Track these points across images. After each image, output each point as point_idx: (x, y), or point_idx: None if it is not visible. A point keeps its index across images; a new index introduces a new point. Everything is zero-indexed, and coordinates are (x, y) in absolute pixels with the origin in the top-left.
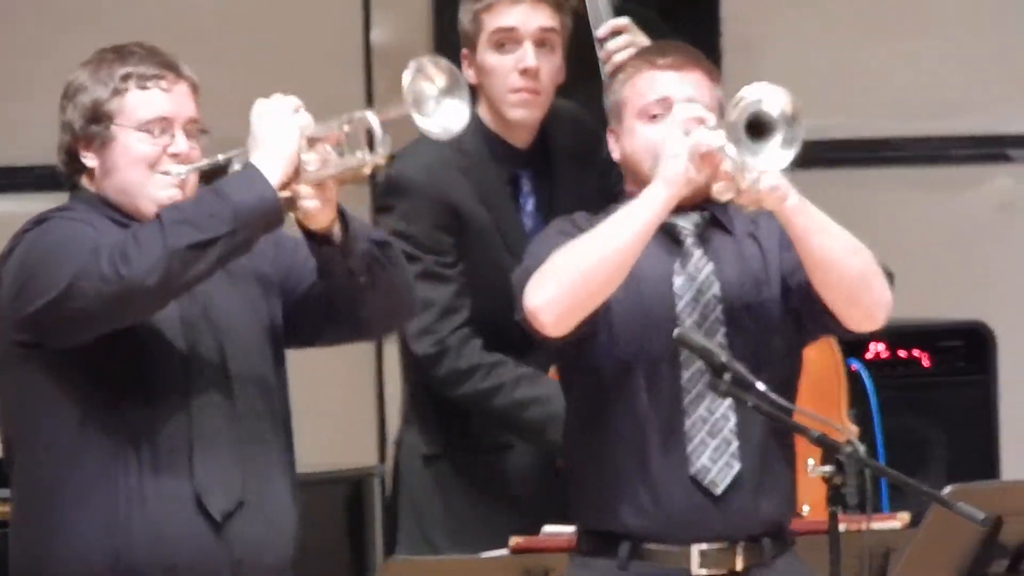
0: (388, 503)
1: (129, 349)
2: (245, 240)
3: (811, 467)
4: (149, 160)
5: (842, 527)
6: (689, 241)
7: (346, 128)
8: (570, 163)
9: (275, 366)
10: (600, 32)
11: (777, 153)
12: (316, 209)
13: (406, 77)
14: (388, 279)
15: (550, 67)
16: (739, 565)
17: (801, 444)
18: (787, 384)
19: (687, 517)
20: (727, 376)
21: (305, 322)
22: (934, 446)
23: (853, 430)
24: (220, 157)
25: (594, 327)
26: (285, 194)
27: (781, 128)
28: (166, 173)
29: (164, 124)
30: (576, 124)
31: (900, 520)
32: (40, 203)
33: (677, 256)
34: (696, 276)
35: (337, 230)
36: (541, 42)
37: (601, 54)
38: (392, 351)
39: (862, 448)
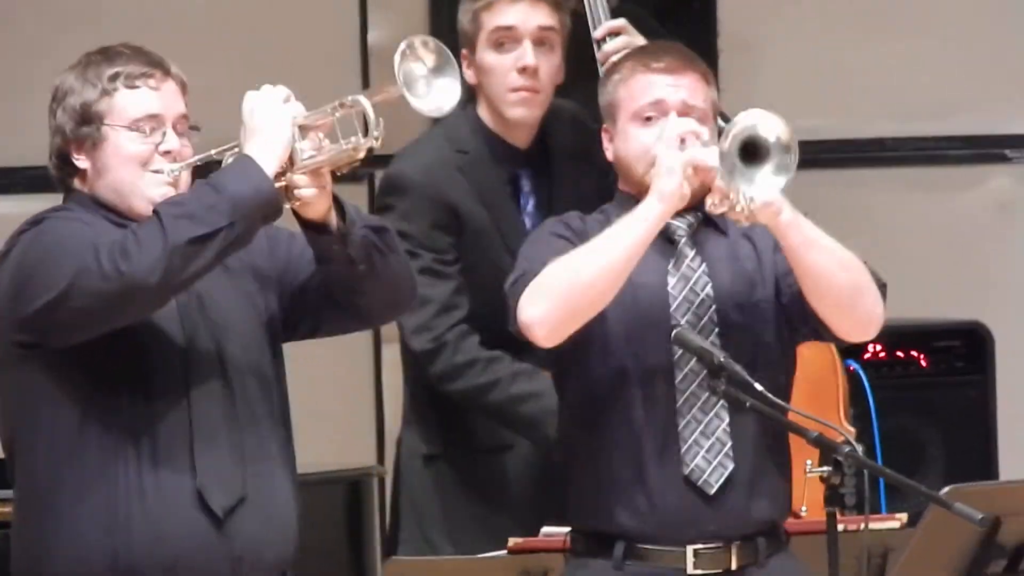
0: (390, 503)
1: (128, 347)
2: (244, 232)
3: (809, 468)
4: (141, 159)
5: (840, 527)
6: (683, 242)
7: (338, 114)
8: (570, 162)
9: (273, 360)
10: (597, 33)
11: (770, 179)
12: (312, 197)
13: (396, 59)
14: (387, 265)
15: (549, 66)
16: (734, 564)
17: (799, 445)
18: (781, 383)
19: (681, 517)
20: (724, 376)
21: (305, 313)
22: (932, 446)
23: (851, 430)
24: (213, 152)
25: (588, 331)
26: (280, 184)
27: (775, 154)
28: (159, 171)
29: (154, 122)
30: (575, 123)
31: (898, 520)
32: (36, 203)
33: (671, 257)
34: (690, 276)
35: (334, 218)
36: (540, 41)
37: (599, 55)
38: (390, 351)
39: (860, 448)
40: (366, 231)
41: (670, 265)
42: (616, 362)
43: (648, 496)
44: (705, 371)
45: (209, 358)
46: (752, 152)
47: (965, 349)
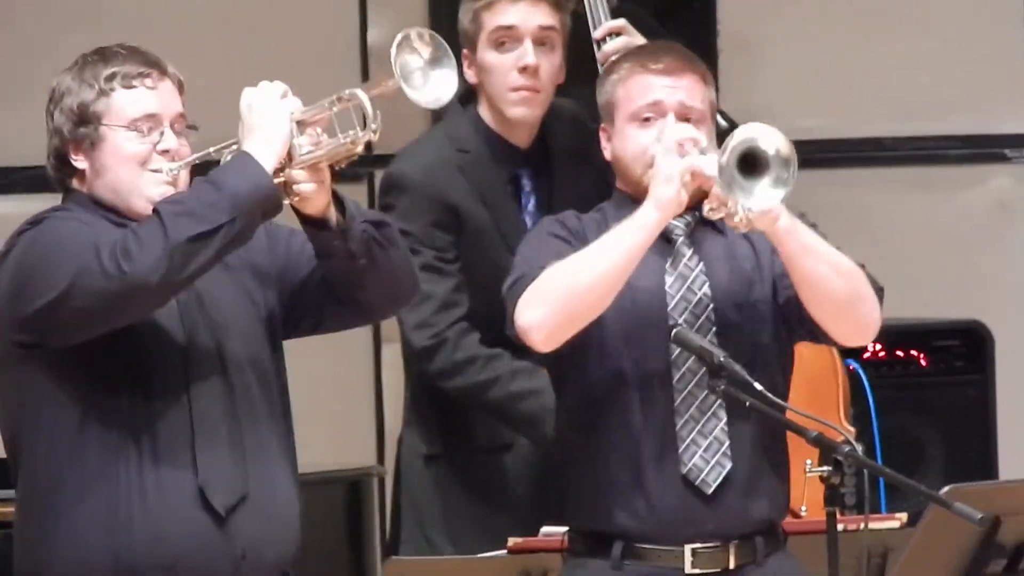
0: (391, 503)
1: (128, 346)
2: (245, 228)
3: (809, 467)
4: (139, 158)
5: (840, 527)
6: (680, 241)
7: (335, 108)
8: (570, 162)
9: (273, 358)
10: (597, 33)
11: (768, 192)
12: (311, 193)
13: (392, 51)
14: (387, 259)
15: (550, 65)
16: (732, 564)
17: (799, 444)
18: (778, 383)
19: (679, 517)
20: (724, 376)
21: (307, 310)
22: (931, 446)
23: (851, 430)
24: (211, 150)
25: (586, 332)
26: (279, 179)
27: (774, 168)
28: (157, 171)
29: (152, 122)
30: (576, 123)
31: (898, 520)
32: (36, 203)
33: (668, 256)
34: (687, 276)
35: (333, 213)
36: (541, 40)
37: (599, 55)
38: (390, 351)
39: (860, 448)
40: (366, 225)
41: (668, 264)
42: (613, 361)
43: (646, 496)
44: (703, 370)
45: (209, 356)
46: (751, 164)
47: (965, 348)
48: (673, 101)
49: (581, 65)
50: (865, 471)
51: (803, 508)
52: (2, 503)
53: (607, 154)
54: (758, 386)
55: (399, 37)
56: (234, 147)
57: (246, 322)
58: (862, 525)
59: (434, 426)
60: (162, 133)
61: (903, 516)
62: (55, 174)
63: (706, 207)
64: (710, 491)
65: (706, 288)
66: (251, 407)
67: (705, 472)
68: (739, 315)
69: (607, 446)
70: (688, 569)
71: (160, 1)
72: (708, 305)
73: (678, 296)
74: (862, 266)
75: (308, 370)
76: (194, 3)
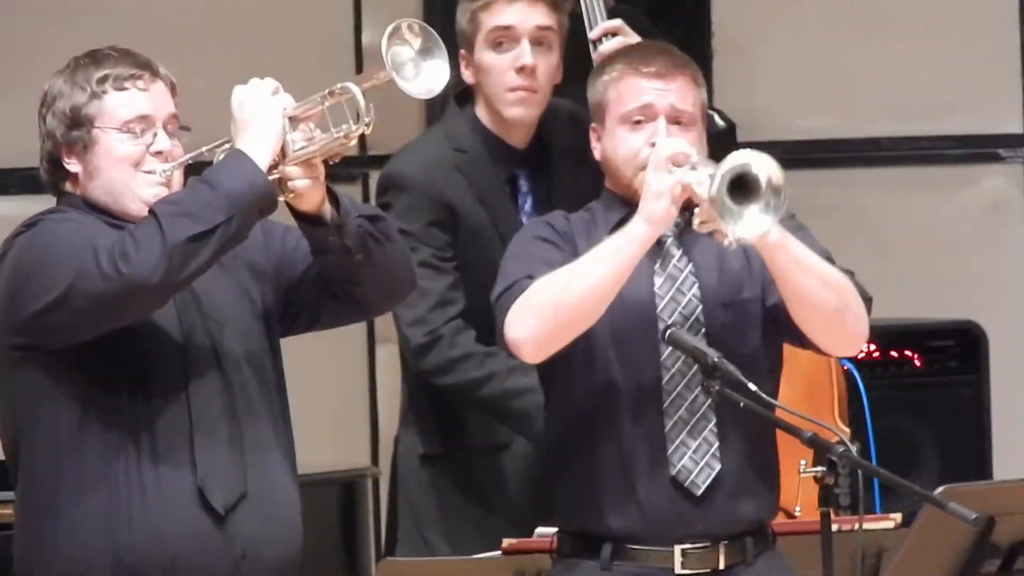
0: (387, 503)
1: (126, 345)
2: (241, 227)
3: (803, 468)
4: (133, 160)
5: (834, 527)
6: (669, 242)
7: (328, 103)
8: (568, 162)
9: (270, 354)
10: (593, 34)
11: (757, 218)
12: (306, 188)
13: (383, 43)
14: (384, 254)
15: (547, 66)
16: (722, 564)
17: (794, 445)
18: (767, 383)
19: (668, 518)
20: (719, 376)
21: (303, 306)
22: (926, 446)
23: (845, 430)
24: (204, 150)
25: (576, 339)
26: (274, 176)
27: (765, 195)
28: (151, 172)
29: (145, 123)
30: (573, 123)
31: (892, 520)
32: (32, 205)
33: (657, 258)
34: (676, 277)
35: (328, 209)
36: (538, 41)
37: (595, 56)
38: (384, 351)
39: (854, 448)
40: (361, 220)
41: (657, 266)
42: (603, 363)
43: (635, 497)
44: (692, 372)
45: (206, 354)
46: (742, 188)
47: (959, 349)
48: (664, 104)
49: (578, 65)
50: (859, 471)
51: (797, 509)
52: (1, 504)
53: (597, 154)
54: (752, 386)
55: (389, 29)
56: (227, 146)
57: (243, 320)
58: (856, 525)
59: (431, 426)
60: (155, 134)
61: (897, 516)
62: (48, 178)
63: (696, 220)
64: (699, 492)
65: (695, 290)
66: (249, 405)
67: (694, 473)
68: (728, 317)
69: (596, 446)
70: (678, 569)
71: (156, 4)
72: (697, 307)
73: (667, 298)
74: (851, 273)
75: (302, 370)
76: (189, 4)
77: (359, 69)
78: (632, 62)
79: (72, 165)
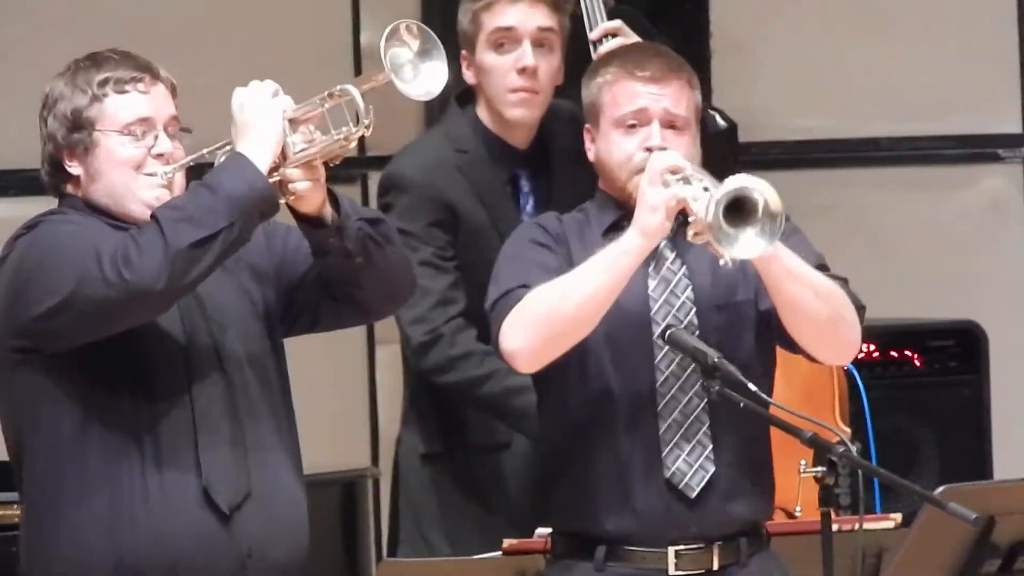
0: (389, 502)
1: (129, 348)
2: (243, 231)
3: (803, 468)
4: (134, 162)
5: (835, 527)
6: (663, 244)
7: (327, 105)
8: (569, 163)
9: (274, 357)
10: (594, 35)
11: (752, 241)
12: (306, 191)
13: (381, 44)
14: (384, 257)
15: (548, 67)
16: (715, 565)
17: (794, 444)
18: (762, 385)
19: (662, 520)
20: (719, 377)
21: (304, 307)
22: (926, 446)
23: (846, 430)
24: (205, 152)
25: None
26: (274, 178)
27: (762, 219)
28: (152, 174)
29: (146, 125)
30: (574, 124)
31: (892, 520)
32: (31, 206)
33: (651, 260)
34: (670, 279)
35: (329, 211)
36: (539, 42)
37: (595, 57)
38: (384, 352)
39: (854, 448)
40: (362, 223)
41: (650, 268)
42: (597, 365)
43: (630, 499)
44: (686, 375)
45: (209, 355)
46: (738, 210)
47: (959, 348)
48: (658, 109)
49: (579, 66)
50: (859, 471)
51: (798, 509)
52: (2, 505)
53: (591, 155)
54: (752, 387)
55: (388, 30)
56: (227, 148)
57: (245, 320)
58: (857, 525)
59: (432, 425)
60: (156, 137)
61: (898, 516)
62: (50, 180)
63: (689, 232)
64: (693, 495)
65: (689, 292)
66: (251, 406)
67: (688, 476)
68: (722, 319)
69: (590, 449)
70: (672, 571)
71: (154, 4)
72: (691, 309)
73: (661, 300)
74: (844, 281)
75: (302, 371)
76: (187, 6)
77: (358, 69)
78: (626, 65)
79: (73, 168)
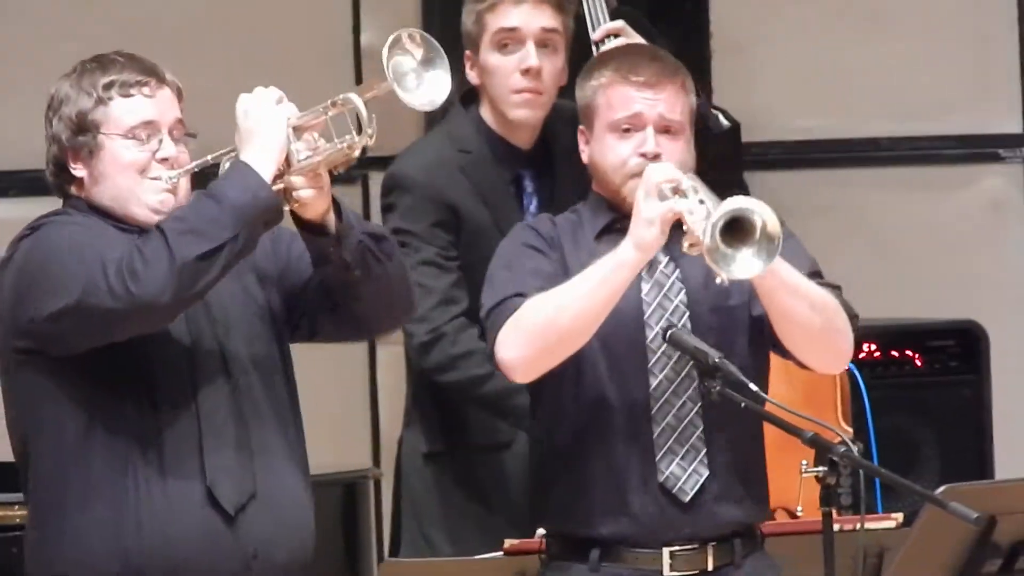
0: (391, 502)
1: (133, 350)
2: (248, 241)
3: (805, 468)
4: (138, 166)
5: (836, 527)
6: None
7: (330, 113)
8: (572, 163)
9: (279, 360)
10: (596, 35)
11: (749, 261)
12: (310, 198)
13: (384, 53)
14: (384, 272)
15: (552, 67)
16: (710, 565)
17: (795, 444)
18: (756, 387)
19: (657, 523)
20: (719, 377)
21: (304, 315)
22: (927, 446)
23: (848, 430)
24: (209, 158)
25: None
26: (278, 186)
27: (759, 240)
28: (156, 178)
29: (150, 129)
30: (577, 124)
31: (894, 520)
32: (34, 207)
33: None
34: (663, 283)
35: (332, 220)
36: (543, 43)
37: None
38: (385, 353)
39: (856, 448)
40: (364, 237)
41: (644, 272)
42: (591, 369)
43: (624, 503)
44: (679, 378)
45: (214, 358)
46: (736, 230)
47: (959, 348)
48: (653, 114)
49: (581, 66)
50: (861, 471)
51: (799, 508)
52: (3, 506)
53: (584, 157)
54: (753, 387)
55: (391, 39)
56: (232, 154)
57: (250, 323)
58: (858, 525)
59: (434, 424)
60: (161, 141)
61: (899, 516)
62: (54, 181)
63: (684, 244)
64: (687, 499)
65: (682, 295)
66: (256, 408)
67: (682, 481)
68: (715, 322)
69: (585, 453)
70: (666, 572)
71: (154, 4)
72: (684, 313)
73: (654, 304)
74: (838, 289)
75: (304, 372)
76: (187, 6)
77: (358, 70)
78: (621, 69)
79: (78, 170)
